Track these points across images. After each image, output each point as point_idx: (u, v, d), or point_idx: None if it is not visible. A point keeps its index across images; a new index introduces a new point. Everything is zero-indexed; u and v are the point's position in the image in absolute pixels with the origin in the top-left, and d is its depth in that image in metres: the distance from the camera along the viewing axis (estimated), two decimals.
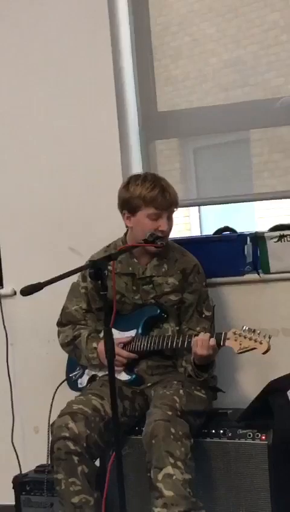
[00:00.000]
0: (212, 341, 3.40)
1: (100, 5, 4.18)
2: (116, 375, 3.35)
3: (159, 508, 3.24)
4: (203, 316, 3.69)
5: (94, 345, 3.66)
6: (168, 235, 3.68)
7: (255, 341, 3.33)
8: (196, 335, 3.46)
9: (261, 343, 3.32)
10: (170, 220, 3.64)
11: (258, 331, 3.35)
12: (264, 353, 3.33)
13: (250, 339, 3.35)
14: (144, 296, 3.70)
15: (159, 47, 4.40)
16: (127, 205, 3.63)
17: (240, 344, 3.36)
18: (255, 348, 3.34)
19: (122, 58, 4.30)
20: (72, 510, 3.38)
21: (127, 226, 3.71)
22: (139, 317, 3.70)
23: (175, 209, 3.66)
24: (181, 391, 3.48)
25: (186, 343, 3.48)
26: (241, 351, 3.37)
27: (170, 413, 3.35)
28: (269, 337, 3.33)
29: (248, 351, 3.36)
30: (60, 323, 3.87)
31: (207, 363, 3.52)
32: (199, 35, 4.40)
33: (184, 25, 4.41)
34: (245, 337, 3.36)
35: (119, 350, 3.53)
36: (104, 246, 3.82)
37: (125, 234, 3.77)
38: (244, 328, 3.38)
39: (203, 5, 4.37)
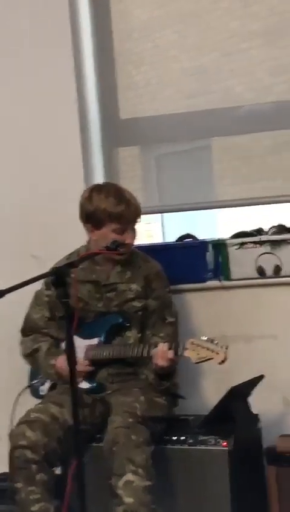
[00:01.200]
0: (171, 353, 3.40)
1: (62, 11, 4.19)
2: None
3: None
4: (167, 321, 3.69)
5: (52, 361, 3.65)
6: (133, 244, 3.68)
7: (213, 351, 3.33)
8: (156, 345, 3.45)
9: (217, 353, 3.32)
10: (134, 231, 3.64)
11: (216, 341, 3.35)
12: (220, 363, 3.32)
13: (207, 349, 3.34)
14: (108, 304, 3.70)
15: (121, 53, 4.40)
16: (91, 219, 3.61)
17: (198, 354, 3.35)
18: (211, 358, 3.33)
19: (84, 64, 4.30)
20: None
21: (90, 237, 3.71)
22: (102, 325, 3.70)
23: (139, 220, 3.66)
24: (142, 398, 3.48)
25: (146, 351, 3.48)
26: (198, 361, 3.35)
27: (130, 420, 3.35)
28: (226, 348, 3.33)
29: (205, 361, 3.35)
30: (22, 331, 3.85)
31: (168, 373, 3.53)
32: (160, 41, 4.41)
33: (146, 32, 4.41)
34: (203, 347, 3.34)
35: (78, 364, 3.51)
36: (67, 254, 3.81)
37: (89, 241, 3.76)
38: (202, 338, 3.38)
39: (165, 12, 4.38)
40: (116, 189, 3.65)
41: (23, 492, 3.36)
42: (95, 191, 3.64)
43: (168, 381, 3.55)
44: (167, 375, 3.53)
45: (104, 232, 3.59)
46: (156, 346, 3.44)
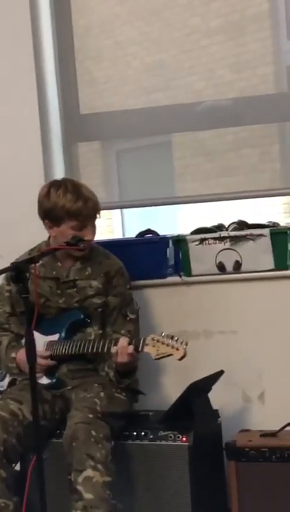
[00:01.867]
0: (130, 348, 3.40)
1: (22, 6, 4.17)
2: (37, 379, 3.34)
3: (79, 510, 3.24)
4: (128, 318, 3.69)
5: (13, 355, 3.65)
6: (92, 240, 3.68)
7: (172, 347, 3.35)
8: (117, 341, 3.45)
9: (177, 349, 3.34)
10: (93, 227, 3.63)
11: (176, 338, 3.37)
12: (180, 359, 3.34)
13: (167, 345, 3.36)
14: (68, 300, 3.69)
15: (81, 49, 4.39)
16: (49, 216, 3.60)
17: (158, 350, 3.37)
18: (171, 354, 3.36)
19: (44, 60, 4.29)
20: None
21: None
22: (63, 321, 3.69)
23: (98, 216, 3.65)
24: (102, 394, 3.48)
25: (106, 348, 3.48)
26: (158, 356, 3.38)
27: (90, 415, 3.34)
28: (186, 344, 3.35)
29: (165, 357, 3.37)
30: None
31: (129, 370, 3.53)
32: (120, 38, 4.40)
33: (106, 28, 4.40)
34: (163, 343, 3.37)
35: (39, 358, 3.50)
36: (28, 249, 3.79)
37: (49, 237, 3.75)
38: (163, 334, 3.40)
39: (125, 8, 4.37)
40: (74, 185, 3.63)
41: None
42: (52, 187, 3.62)
43: (129, 378, 3.56)
44: (128, 372, 3.53)
45: (63, 229, 3.58)
46: (116, 343, 3.44)
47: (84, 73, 4.41)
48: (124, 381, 3.55)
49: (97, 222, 3.66)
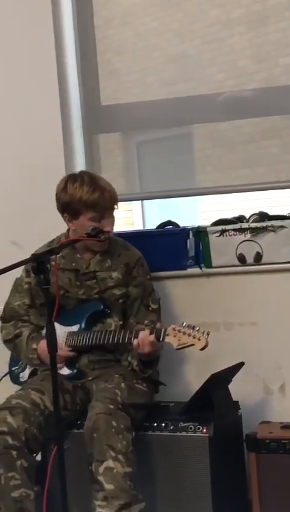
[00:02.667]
0: (152, 337, 3.41)
1: None
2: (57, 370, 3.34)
3: (100, 501, 3.26)
4: (150, 308, 3.70)
5: (34, 345, 3.66)
6: (111, 231, 3.68)
7: (194, 337, 3.35)
8: (138, 332, 3.45)
9: (199, 339, 3.34)
10: (112, 218, 3.64)
11: (197, 328, 3.37)
12: (201, 349, 3.35)
13: (189, 335, 3.36)
14: (88, 292, 3.70)
15: (102, 40, 4.39)
16: (68, 209, 3.62)
17: (179, 340, 3.38)
18: (193, 344, 3.36)
19: (66, 51, 4.29)
20: (12, 504, 3.35)
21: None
22: (83, 312, 3.69)
23: (116, 207, 3.66)
24: (122, 384, 3.48)
25: (127, 338, 3.49)
26: (179, 346, 3.38)
27: (111, 406, 3.35)
28: (208, 334, 3.35)
29: (186, 347, 3.38)
30: (2, 319, 3.84)
31: (152, 359, 3.53)
32: (142, 29, 4.40)
33: (127, 19, 4.40)
34: (184, 333, 3.37)
35: (59, 350, 3.51)
36: (48, 241, 3.80)
37: (68, 230, 3.76)
38: (184, 324, 3.40)
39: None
40: (90, 177, 3.64)
41: (3, 479, 3.36)
42: (69, 181, 3.64)
43: (152, 368, 3.56)
44: (151, 362, 3.54)
45: (82, 221, 3.60)
46: (137, 334, 3.44)
47: (105, 64, 4.41)
48: (147, 371, 3.56)
49: (116, 213, 3.67)
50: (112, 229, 3.65)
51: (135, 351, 3.48)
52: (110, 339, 3.54)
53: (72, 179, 3.65)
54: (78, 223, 3.61)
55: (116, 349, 3.67)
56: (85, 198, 3.56)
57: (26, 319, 3.79)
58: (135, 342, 3.44)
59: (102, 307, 3.68)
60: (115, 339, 3.53)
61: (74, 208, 3.59)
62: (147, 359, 3.51)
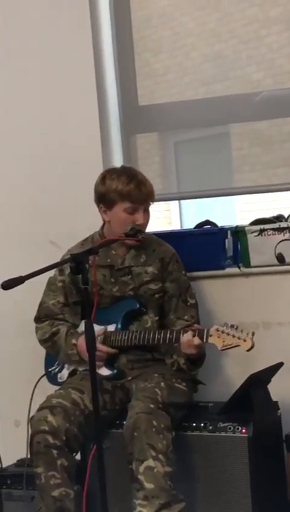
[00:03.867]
0: (196, 340, 3.40)
1: None
2: (96, 370, 3.35)
3: (140, 500, 3.26)
4: (189, 304, 3.71)
5: (73, 341, 3.65)
6: (146, 228, 3.68)
7: (239, 338, 3.34)
8: (179, 333, 3.46)
9: (245, 340, 3.33)
10: (146, 212, 3.65)
11: (241, 328, 3.37)
12: (248, 350, 3.33)
13: (233, 336, 3.35)
14: (123, 288, 3.70)
15: (140, 40, 4.40)
16: (104, 199, 3.63)
17: (223, 341, 3.37)
18: (238, 345, 3.35)
19: (103, 51, 4.30)
20: (52, 503, 3.37)
21: (104, 220, 3.71)
22: (118, 311, 3.69)
23: (151, 203, 3.67)
24: (162, 384, 3.48)
25: (167, 339, 3.49)
26: (224, 348, 3.37)
27: (151, 405, 3.35)
28: (253, 334, 3.34)
29: (232, 348, 3.36)
30: (37, 319, 3.85)
31: (199, 357, 3.53)
32: (179, 29, 4.41)
33: (165, 19, 4.41)
34: (228, 334, 3.36)
35: (100, 345, 3.53)
36: (81, 240, 3.82)
37: (102, 227, 3.77)
38: (226, 324, 3.39)
39: None
40: (129, 170, 3.69)
41: (43, 477, 3.38)
42: (108, 172, 3.68)
43: (199, 366, 3.58)
44: (198, 359, 3.54)
45: (116, 211, 3.61)
46: (178, 335, 3.45)
47: (143, 64, 4.42)
48: (194, 369, 3.56)
49: (153, 213, 3.67)
50: (147, 223, 3.66)
51: (181, 349, 3.47)
52: (150, 340, 3.54)
53: (111, 170, 3.69)
54: (112, 214, 3.62)
55: (156, 349, 3.66)
56: (120, 188, 3.57)
57: (61, 318, 3.79)
58: (181, 339, 3.42)
59: (138, 305, 3.68)
60: (155, 340, 3.53)
61: (109, 198, 3.61)
62: (195, 357, 3.50)
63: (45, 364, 3.88)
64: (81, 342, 3.56)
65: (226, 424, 3.49)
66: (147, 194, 3.62)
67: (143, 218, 3.62)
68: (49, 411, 3.41)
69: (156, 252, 3.72)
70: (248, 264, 3.97)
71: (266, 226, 3.91)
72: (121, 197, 3.58)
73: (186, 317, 3.65)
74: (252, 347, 3.32)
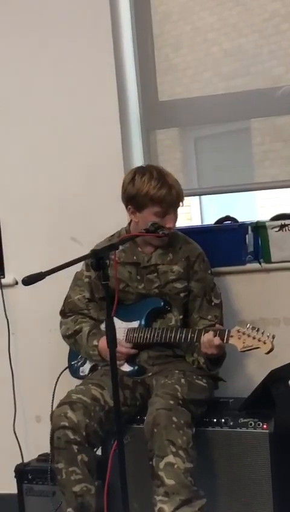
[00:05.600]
0: (217, 340, 3.40)
1: None
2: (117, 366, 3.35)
3: (161, 496, 3.26)
4: (213, 304, 3.71)
5: (95, 342, 3.66)
6: (173, 228, 3.68)
7: (259, 340, 3.34)
8: (200, 332, 3.46)
9: (264, 342, 3.33)
10: (175, 215, 3.65)
11: (262, 330, 3.36)
12: (267, 353, 3.34)
13: (254, 337, 3.35)
14: (148, 286, 3.70)
15: (160, 36, 4.39)
16: (133, 201, 3.62)
17: (244, 342, 3.37)
18: (258, 347, 3.35)
19: (123, 47, 4.29)
20: (73, 499, 3.39)
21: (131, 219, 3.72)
22: (143, 308, 3.70)
23: (181, 205, 3.66)
24: (183, 380, 3.48)
25: (189, 338, 3.49)
26: (244, 349, 3.37)
27: (171, 402, 3.35)
28: (273, 337, 3.34)
29: (252, 349, 3.37)
30: (62, 313, 3.86)
31: (219, 357, 3.54)
32: (199, 24, 4.40)
33: (185, 14, 4.40)
34: (249, 336, 3.36)
35: (120, 346, 3.52)
36: (108, 236, 3.82)
37: (129, 223, 3.77)
38: (248, 326, 3.39)
39: None
40: (159, 172, 3.64)
41: (64, 473, 3.40)
42: (137, 173, 3.64)
43: (219, 366, 3.58)
44: (218, 359, 3.54)
45: (146, 215, 3.60)
46: (199, 334, 3.45)
47: (163, 60, 4.41)
48: (214, 368, 3.57)
49: (179, 211, 3.67)
50: (174, 226, 3.65)
51: (201, 349, 3.47)
52: (172, 338, 3.54)
53: (140, 171, 3.65)
54: (142, 216, 3.62)
55: (176, 345, 3.66)
56: (152, 193, 3.56)
57: (85, 313, 3.80)
58: (201, 339, 3.43)
59: (162, 303, 3.68)
60: (177, 339, 3.53)
61: (140, 201, 3.59)
62: (215, 357, 3.50)
63: (69, 358, 3.90)
64: (103, 342, 3.57)
65: (247, 420, 3.49)
66: (177, 198, 3.61)
67: (172, 222, 3.62)
68: (69, 407, 3.42)
69: (182, 250, 3.72)
70: (268, 260, 3.96)
71: (287, 222, 3.90)
72: (152, 201, 3.57)
73: (209, 316, 3.65)
74: (271, 350, 3.32)
